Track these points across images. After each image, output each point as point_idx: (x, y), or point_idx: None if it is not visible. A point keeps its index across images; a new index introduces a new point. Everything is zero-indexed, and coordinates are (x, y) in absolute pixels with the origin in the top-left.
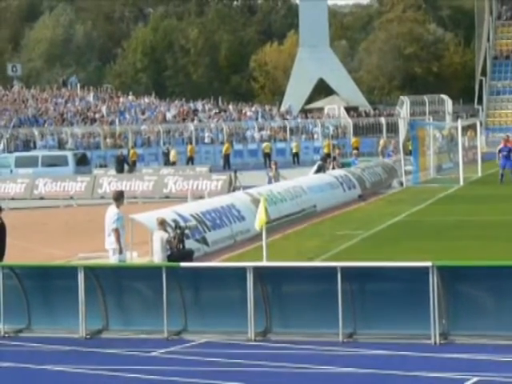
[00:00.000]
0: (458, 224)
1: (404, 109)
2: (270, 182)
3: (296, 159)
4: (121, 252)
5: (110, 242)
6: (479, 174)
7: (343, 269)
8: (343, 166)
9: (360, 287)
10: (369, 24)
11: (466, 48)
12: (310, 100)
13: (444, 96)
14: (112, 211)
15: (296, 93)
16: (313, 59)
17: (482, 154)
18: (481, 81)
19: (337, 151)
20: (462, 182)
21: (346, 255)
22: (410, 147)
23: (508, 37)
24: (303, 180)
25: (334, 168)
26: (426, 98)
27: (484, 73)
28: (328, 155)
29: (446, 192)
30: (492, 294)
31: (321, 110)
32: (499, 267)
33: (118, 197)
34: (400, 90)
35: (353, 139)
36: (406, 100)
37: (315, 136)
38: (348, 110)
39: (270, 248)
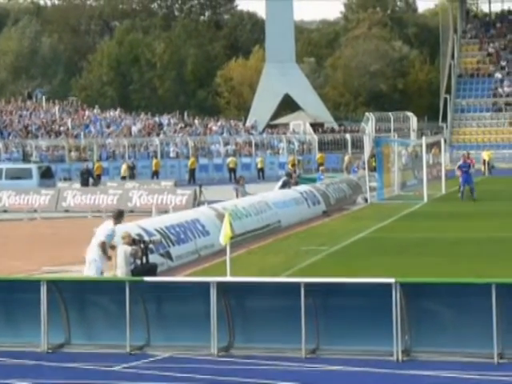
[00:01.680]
0: (422, 241)
1: (369, 125)
2: (237, 196)
3: (261, 174)
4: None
5: (93, 253)
6: (443, 191)
7: (307, 284)
8: (308, 181)
9: (323, 303)
10: (335, 40)
11: (431, 65)
12: (276, 115)
13: (409, 113)
14: (107, 226)
15: (262, 108)
16: (279, 75)
17: (446, 171)
18: (445, 98)
19: (291, 167)
20: (426, 199)
21: (310, 271)
22: (375, 164)
23: (472, 55)
24: (268, 195)
25: (297, 184)
26: (391, 114)
27: (449, 90)
28: (294, 171)
29: (410, 209)
30: (454, 310)
31: (286, 125)
32: (462, 284)
33: (118, 216)
34: (365, 106)
35: (318, 155)
36: (371, 116)
37: (280, 151)
38: (313, 125)
39: (234, 263)
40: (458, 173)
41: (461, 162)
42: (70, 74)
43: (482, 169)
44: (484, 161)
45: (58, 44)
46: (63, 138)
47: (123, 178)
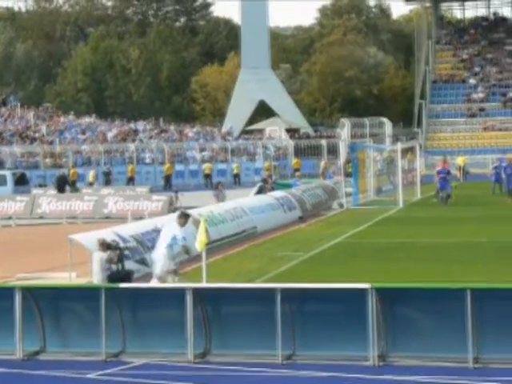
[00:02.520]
0: (397, 246)
1: (344, 131)
2: (218, 202)
3: (237, 180)
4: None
5: (158, 253)
6: (418, 197)
7: (283, 290)
8: (283, 187)
9: (299, 309)
10: (310, 46)
11: (405, 71)
12: (252, 121)
13: (384, 119)
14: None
15: (237, 114)
16: (254, 81)
17: (421, 176)
18: (420, 104)
19: (266, 173)
20: (401, 204)
21: (286, 276)
22: (350, 169)
23: (447, 61)
24: (244, 201)
25: (273, 189)
26: (366, 120)
27: (423, 96)
28: (270, 176)
29: (385, 214)
30: (430, 315)
31: (262, 131)
32: (437, 289)
33: (182, 217)
34: (341, 112)
35: (294, 161)
36: (346, 122)
37: (256, 157)
38: (289, 131)
39: (210, 269)
40: (437, 178)
41: (439, 167)
42: (45, 81)
43: (457, 174)
44: (459, 166)
45: (33, 50)
46: (38, 145)
47: (91, 184)
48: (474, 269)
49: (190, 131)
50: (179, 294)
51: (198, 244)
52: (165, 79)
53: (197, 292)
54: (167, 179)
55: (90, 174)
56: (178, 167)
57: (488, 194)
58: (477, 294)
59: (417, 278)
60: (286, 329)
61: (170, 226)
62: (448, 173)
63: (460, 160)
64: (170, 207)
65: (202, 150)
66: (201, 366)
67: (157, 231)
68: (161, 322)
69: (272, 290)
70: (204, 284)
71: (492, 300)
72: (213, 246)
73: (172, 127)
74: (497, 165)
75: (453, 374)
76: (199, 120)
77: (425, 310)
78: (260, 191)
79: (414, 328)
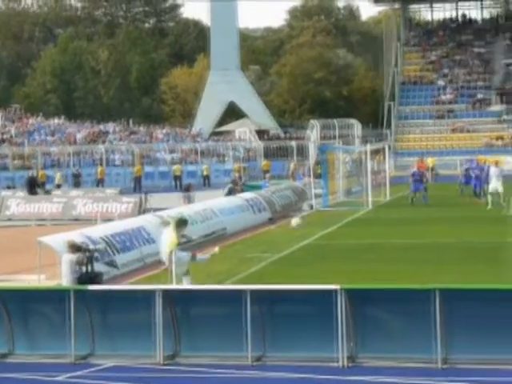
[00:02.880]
0: (367, 247)
1: (314, 132)
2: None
3: (207, 182)
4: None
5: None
6: (387, 198)
7: (252, 292)
8: (253, 188)
9: (269, 310)
10: (280, 48)
11: (374, 73)
12: (221, 123)
13: (353, 120)
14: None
15: (207, 116)
16: (224, 82)
17: (390, 177)
18: (389, 105)
19: (236, 174)
20: (370, 206)
21: (256, 278)
22: (320, 170)
23: (415, 62)
24: (214, 203)
25: (242, 191)
26: (335, 121)
27: (392, 98)
28: (240, 178)
29: (354, 215)
30: (399, 316)
31: (232, 132)
32: (406, 290)
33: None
34: (310, 113)
35: (263, 162)
36: (316, 124)
37: (226, 159)
38: (259, 133)
39: None
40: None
41: (414, 169)
42: (13, 82)
43: (427, 175)
44: (428, 168)
45: (1, 50)
46: (6, 146)
47: (58, 186)
48: (442, 269)
49: (159, 133)
50: (148, 296)
51: (168, 245)
52: (134, 80)
53: (166, 294)
54: (137, 181)
55: (57, 176)
56: (148, 169)
57: (457, 195)
58: (445, 295)
59: (386, 279)
60: (256, 330)
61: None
62: (422, 175)
63: (429, 161)
64: (140, 209)
65: (172, 151)
66: (170, 367)
67: (126, 233)
68: (130, 324)
69: (241, 292)
70: (173, 286)
71: (460, 301)
72: (182, 248)
73: (141, 129)
74: (467, 166)
75: (421, 374)
76: (169, 121)
77: (394, 311)
78: (230, 193)
79: (382, 329)
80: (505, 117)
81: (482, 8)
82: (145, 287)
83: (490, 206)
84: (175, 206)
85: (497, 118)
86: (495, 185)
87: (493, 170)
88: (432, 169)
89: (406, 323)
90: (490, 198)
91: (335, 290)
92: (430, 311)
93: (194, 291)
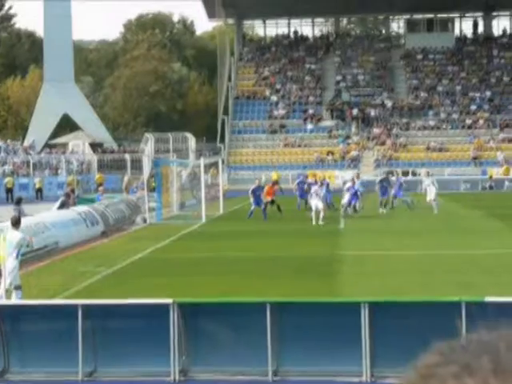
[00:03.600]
0: (200, 260)
1: (148, 146)
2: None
3: (39, 195)
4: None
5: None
6: (221, 211)
7: (84, 306)
8: (87, 201)
9: (101, 325)
10: (114, 60)
11: (209, 87)
12: (55, 135)
13: (188, 134)
14: (18, 234)
15: (40, 128)
16: (57, 94)
17: (224, 191)
18: (223, 119)
19: (69, 187)
20: (204, 219)
21: (88, 293)
22: (154, 184)
23: (249, 77)
24: (46, 216)
25: (75, 204)
26: (170, 135)
27: (226, 112)
28: (72, 191)
29: (188, 229)
30: (231, 329)
31: (65, 145)
32: (238, 303)
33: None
34: (145, 126)
35: (97, 175)
36: (150, 137)
37: (59, 171)
38: (93, 145)
39: None
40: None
41: (299, 179)
42: None
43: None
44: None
45: None
46: None
47: None
48: (273, 283)
49: None
50: None
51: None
52: None
53: None
54: None
55: None
56: None
57: (294, 209)
58: (276, 308)
59: (220, 293)
60: (88, 346)
61: (12, 233)
62: (304, 183)
63: (275, 175)
64: None
65: (4, 163)
66: None
67: None
68: None
69: (73, 307)
70: (3, 301)
71: (290, 313)
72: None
73: None
74: (300, 180)
75: None
76: (1, 133)
77: (226, 324)
78: (62, 206)
79: (215, 342)
80: (335, 132)
81: (313, 25)
82: None
83: (314, 222)
84: (6, 219)
85: (328, 134)
86: (315, 201)
87: (314, 189)
88: (276, 183)
89: (239, 336)
90: (312, 213)
91: (168, 304)
92: (261, 324)
93: (25, 306)
